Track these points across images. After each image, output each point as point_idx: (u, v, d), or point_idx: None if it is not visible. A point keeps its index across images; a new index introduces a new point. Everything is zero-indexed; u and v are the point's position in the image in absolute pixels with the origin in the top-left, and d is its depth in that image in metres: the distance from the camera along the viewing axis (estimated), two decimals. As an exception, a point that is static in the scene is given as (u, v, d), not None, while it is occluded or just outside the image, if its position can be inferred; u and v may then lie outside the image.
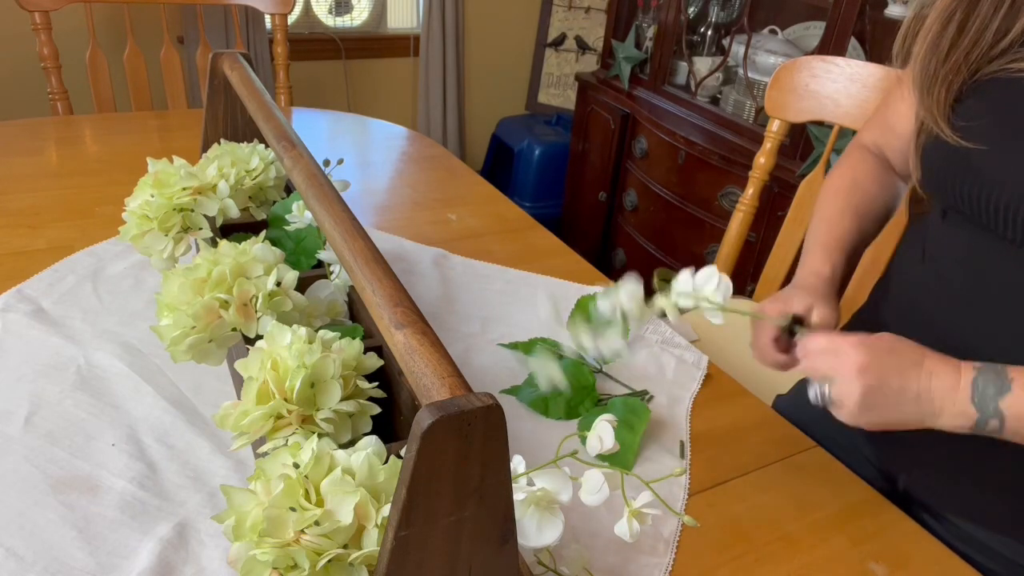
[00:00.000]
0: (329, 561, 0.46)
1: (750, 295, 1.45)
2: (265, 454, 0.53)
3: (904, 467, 0.82)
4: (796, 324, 0.73)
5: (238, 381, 0.67)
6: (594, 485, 0.54)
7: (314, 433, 0.57)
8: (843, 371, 0.61)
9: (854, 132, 1.13)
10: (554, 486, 0.53)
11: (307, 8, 2.84)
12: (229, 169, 0.88)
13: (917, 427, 0.61)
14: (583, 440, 0.56)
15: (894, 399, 0.60)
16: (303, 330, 0.61)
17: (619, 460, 0.76)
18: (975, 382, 0.59)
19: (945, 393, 0.60)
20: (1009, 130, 0.68)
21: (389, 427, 0.69)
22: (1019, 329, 0.67)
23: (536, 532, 0.53)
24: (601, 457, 0.65)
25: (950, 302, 0.72)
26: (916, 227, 0.85)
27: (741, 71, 2.09)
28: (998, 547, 0.74)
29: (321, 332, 0.63)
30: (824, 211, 0.88)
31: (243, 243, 0.73)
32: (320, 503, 0.47)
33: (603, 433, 0.55)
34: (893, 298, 0.83)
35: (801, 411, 0.90)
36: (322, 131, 1.75)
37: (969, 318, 0.70)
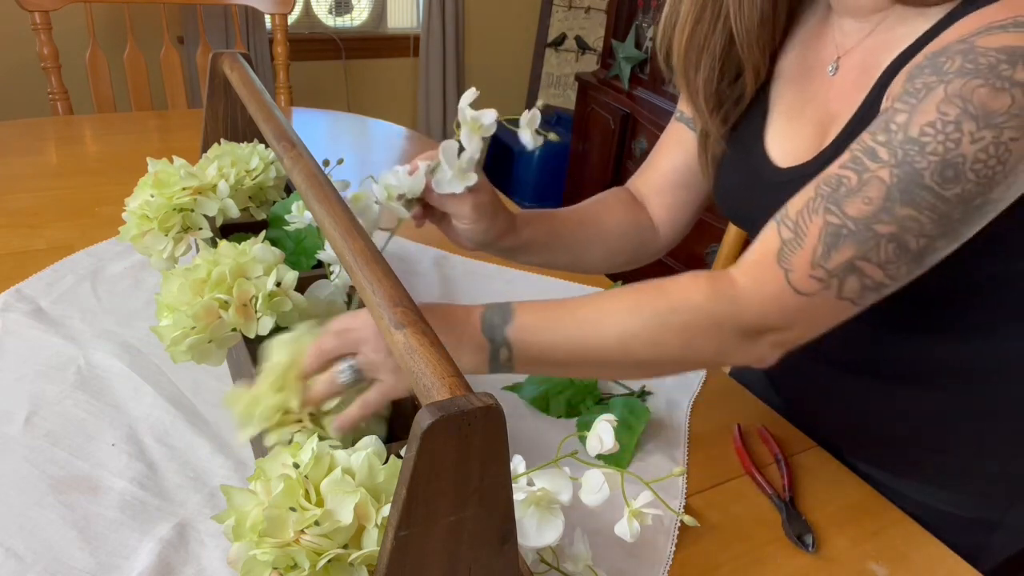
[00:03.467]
0: (329, 561, 0.46)
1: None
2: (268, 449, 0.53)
3: (814, 409, 0.86)
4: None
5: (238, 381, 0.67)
6: (594, 485, 0.54)
7: (315, 433, 0.57)
8: (362, 339, 0.60)
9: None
10: (554, 486, 0.53)
11: (307, 8, 2.84)
12: (229, 169, 0.88)
13: None
14: (583, 440, 0.56)
15: None
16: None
17: (615, 459, 0.76)
18: (484, 316, 0.62)
19: (462, 329, 0.62)
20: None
21: (389, 427, 0.69)
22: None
23: (536, 532, 0.53)
24: (600, 457, 0.66)
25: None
26: None
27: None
28: (904, 489, 0.78)
29: None
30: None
31: (243, 243, 0.73)
32: (320, 503, 0.47)
33: (603, 433, 0.55)
34: None
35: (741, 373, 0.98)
36: (322, 131, 1.75)
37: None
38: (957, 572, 0.68)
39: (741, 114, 0.81)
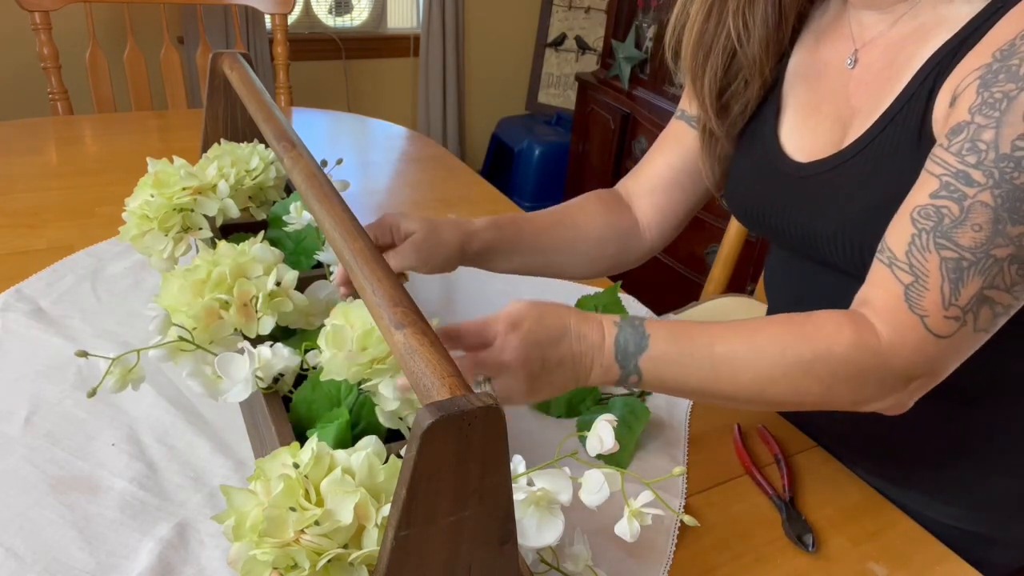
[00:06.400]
0: (329, 561, 0.46)
1: (750, 295, 1.45)
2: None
3: (815, 417, 0.85)
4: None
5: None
6: (594, 485, 0.53)
7: None
8: (503, 365, 0.60)
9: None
10: (554, 486, 0.53)
11: (307, 8, 2.84)
12: (229, 169, 0.88)
13: (575, 387, 0.63)
14: (583, 440, 0.56)
15: (554, 374, 0.61)
16: None
17: (614, 459, 0.76)
18: (617, 340, 0.61)
19: (594, 353, 0.61)
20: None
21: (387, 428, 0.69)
22: None
23: (536, 532, 0.53)
24: (600, 457, 0.65)
25: None
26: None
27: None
28: (903, 500, 0.77)
29: None
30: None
31: (242, 243, 0.73)
32: (320, 503, 0.47)
33: (603, 433, 0.54)
34: None
35: None
36: (322, 131, 1.75)
37: None
38: (957, 572, 0.68)
39: (752, 113, 0.80)
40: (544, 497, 0.53)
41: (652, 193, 0.89)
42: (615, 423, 0.55)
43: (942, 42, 0.62)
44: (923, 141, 0.62)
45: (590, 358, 0.61)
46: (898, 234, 0.59)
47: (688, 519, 0.55)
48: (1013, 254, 0.54)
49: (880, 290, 0.59)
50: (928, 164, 0.58)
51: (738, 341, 0.60)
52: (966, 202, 0.55)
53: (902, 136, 0.64)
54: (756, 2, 0.74)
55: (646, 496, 0.54)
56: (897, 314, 0.58)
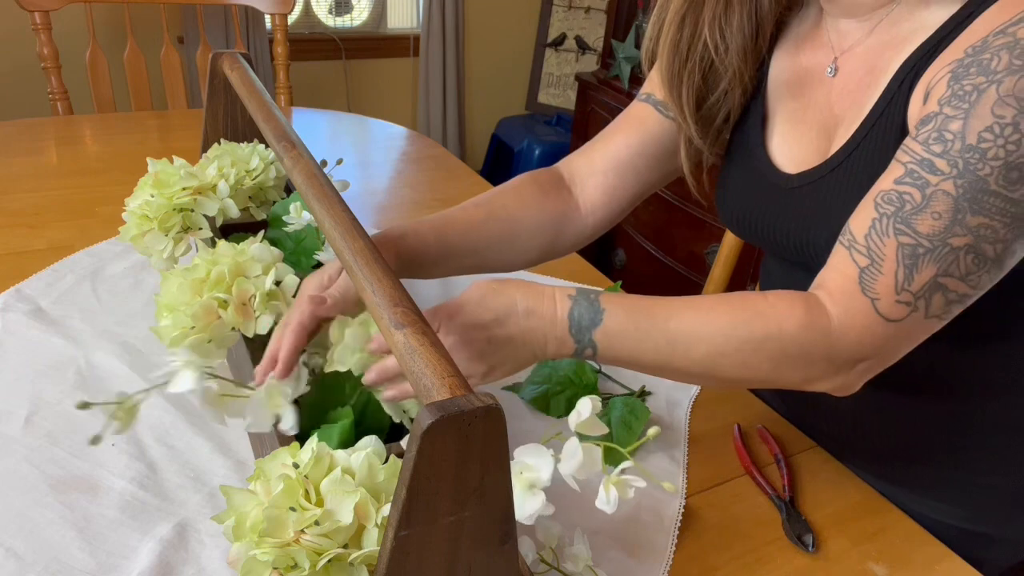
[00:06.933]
0: (329, 561, 0.46)
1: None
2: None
3: (814, 418, 0.85)
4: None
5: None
6: (568, 451, 0.52)
7: None
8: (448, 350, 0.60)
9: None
10: (535, 461, 0.52)
11: (307, 8, 2.84)
12: (229, 169, 0.88)
13: (531, 363, 0.64)
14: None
15: (504, 351, 0.61)
16: None
17: (615, 457, 0.76)
18: (571, 314, 0.61)
19: (546, 328, 0.61)
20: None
21: (389, 428, 0.69)
22: None
23: (517, 507, 0.51)
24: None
25: None
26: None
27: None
28: (901, 499, 0.77)
29: None
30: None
31: (241, 243, 0.73)
32: (320, 503, 0.47)
33: (582, 407, 0.53)
34: None
35: None
36: (322, 131, 1.75)
37: None
38: (957, 572, 0.68)
39: (735, 125, 0.80)
40: (523, 470, 0.51)
41: (604, 173, 0.85)
42: (598, 402, 0.54)
43: (920, 44, 0.63)
44: (903, 140, 0.62)
45: (542, 333, 0.61)
46: (860, 218, 0.59)
47: (668, 486, 0.53)
48: (970, 244, 0.55)
49: (835, 273, 0.60)
50: (897, 153, 0.59)
51: (692, 315, 0.61)
52: (928, 190, 0.55)
53: (884, 140, 0.65)
54: (732, 11, 0.74)
55: (626, 466, 0.53)
56: (849, 296, 0.58)
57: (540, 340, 0.61)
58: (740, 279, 1.99)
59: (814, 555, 0.68)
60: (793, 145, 0.75)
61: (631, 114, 0.85)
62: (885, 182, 0.58)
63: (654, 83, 0.83)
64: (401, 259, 0.73)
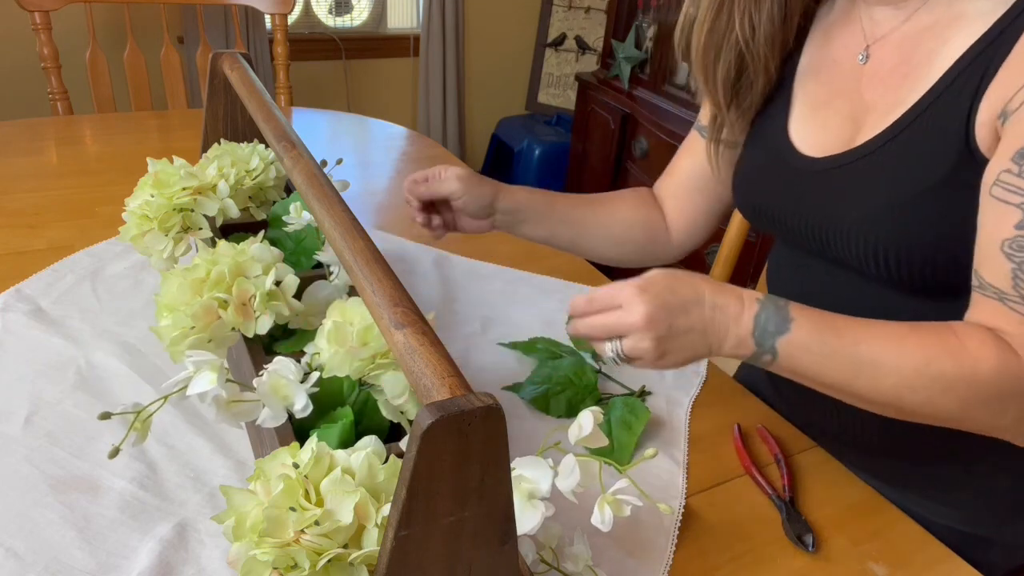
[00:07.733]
0: (329, 561, 0.46)
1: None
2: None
3: (814, 418, 0.85)
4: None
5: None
6: (566, 468, 0.53)
7: None
8: (630, 326, 0.60)
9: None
10: (534, 474, 0.52)
11: (307, 8, 2.84)
12: (229, 169, 0.88)
13: (705, 357, 0.64)
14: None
15: (684, 339, 0.61)
16: None
17: (613, 457, 0.76)
18: (757, 317, 0.61)
19: (730, 324, 0.61)
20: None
21: (389, 427, 0.69)
22: None
23: (516, 520, 0.51)
24: (597, 452, 0.65)
25: None
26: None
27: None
28: (902, 501, 0.77)
29: None
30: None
31: (241, 243, 0.73)
32: (320, 503, 0.47)
33: (583, 420, 0.54)
34: None
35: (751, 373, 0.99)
36: (322, 131, 1.75)
37: None
38: (957, 573, 0.68)
39: (760, 109, 0.81)
40: (523, 482, 0.52)
41: (676, 197, 0.93)
42: (600, 414, 0.54)
43: (968, 42, 0.62)
44: (967, 148, 0.61)
45: (724, 328, 0.61)
46: (995, 270, 0.58)
47: (664, 508, 0.53)
48: None
49: (1002, 322, 0.59)
50: (997, 191, 0.58)
51: (882, 344, 0.59)
52: None
53: (930, 137, 0.64)
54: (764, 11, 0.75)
55: (622, 484, 0.53)
56: None
57: (720, 335, 0.61)
58: (740, 279, 1.99)
59: (814, 555, 0.68)
60: (816, 129, 0.75)
61: (687, 143, 0.94)
62: (1004, 229, 0.57)
63: (703, 108, 0.90)
64: (502, 202, 0.85)
